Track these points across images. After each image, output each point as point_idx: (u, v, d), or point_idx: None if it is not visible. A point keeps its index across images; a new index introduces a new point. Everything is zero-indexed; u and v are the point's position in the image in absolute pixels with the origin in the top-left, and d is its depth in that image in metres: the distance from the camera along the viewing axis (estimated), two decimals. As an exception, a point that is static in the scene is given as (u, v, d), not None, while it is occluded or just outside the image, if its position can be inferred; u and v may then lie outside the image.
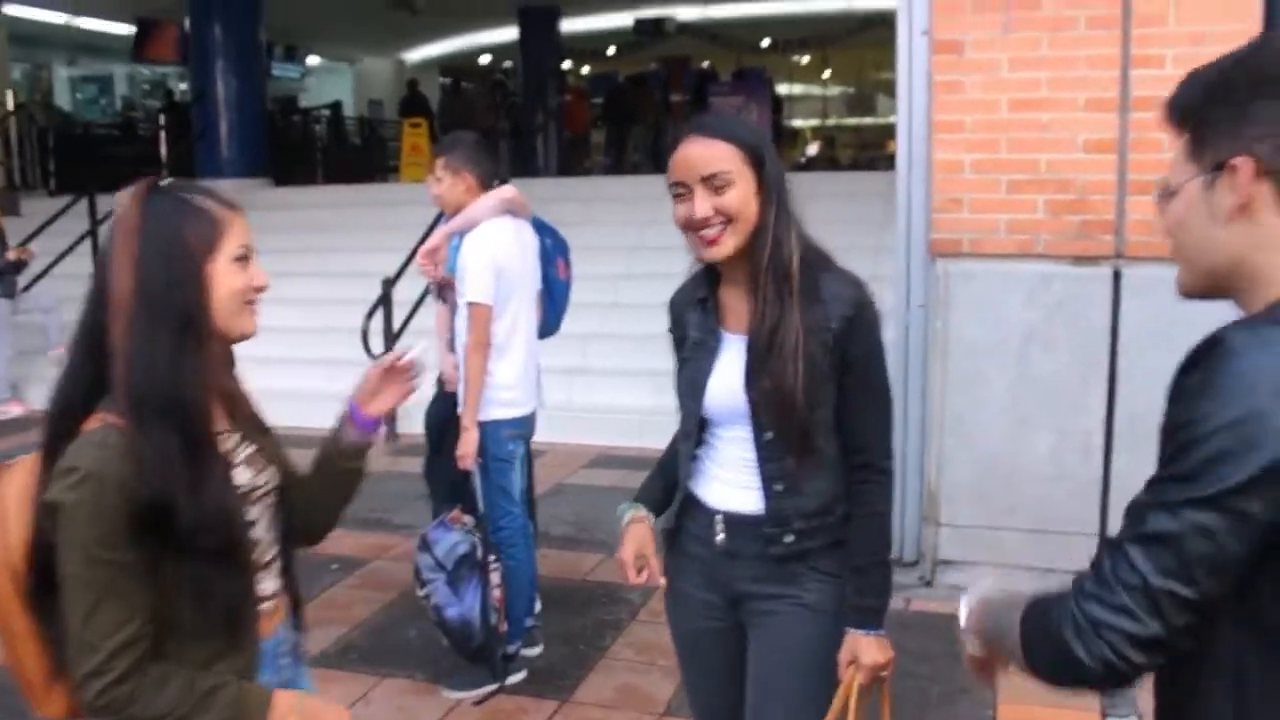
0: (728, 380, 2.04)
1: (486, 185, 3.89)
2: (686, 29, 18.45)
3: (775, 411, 1.98)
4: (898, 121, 4.59)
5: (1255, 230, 1.22)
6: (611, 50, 20.33)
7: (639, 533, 2.11)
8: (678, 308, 2.15)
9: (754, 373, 2.00)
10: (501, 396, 3.78)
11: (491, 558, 3.71)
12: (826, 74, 24.44)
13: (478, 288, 3.69)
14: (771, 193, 1.97)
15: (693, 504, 2.15)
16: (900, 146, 4.58)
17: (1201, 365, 1.14)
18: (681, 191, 1.95)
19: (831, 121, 26.12)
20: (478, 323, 3.70)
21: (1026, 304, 4.39)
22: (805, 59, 22.35)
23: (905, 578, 4.67)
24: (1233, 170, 1.21)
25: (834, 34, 18.05)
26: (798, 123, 23.56)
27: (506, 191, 3.92)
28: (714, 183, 1.93)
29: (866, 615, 2.05)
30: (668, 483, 2.22)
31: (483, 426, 3.75)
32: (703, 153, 1.96)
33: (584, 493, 6.23)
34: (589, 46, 20.16)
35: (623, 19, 18.36)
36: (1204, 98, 1.26)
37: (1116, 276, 4.26)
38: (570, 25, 18.08)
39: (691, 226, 1.95)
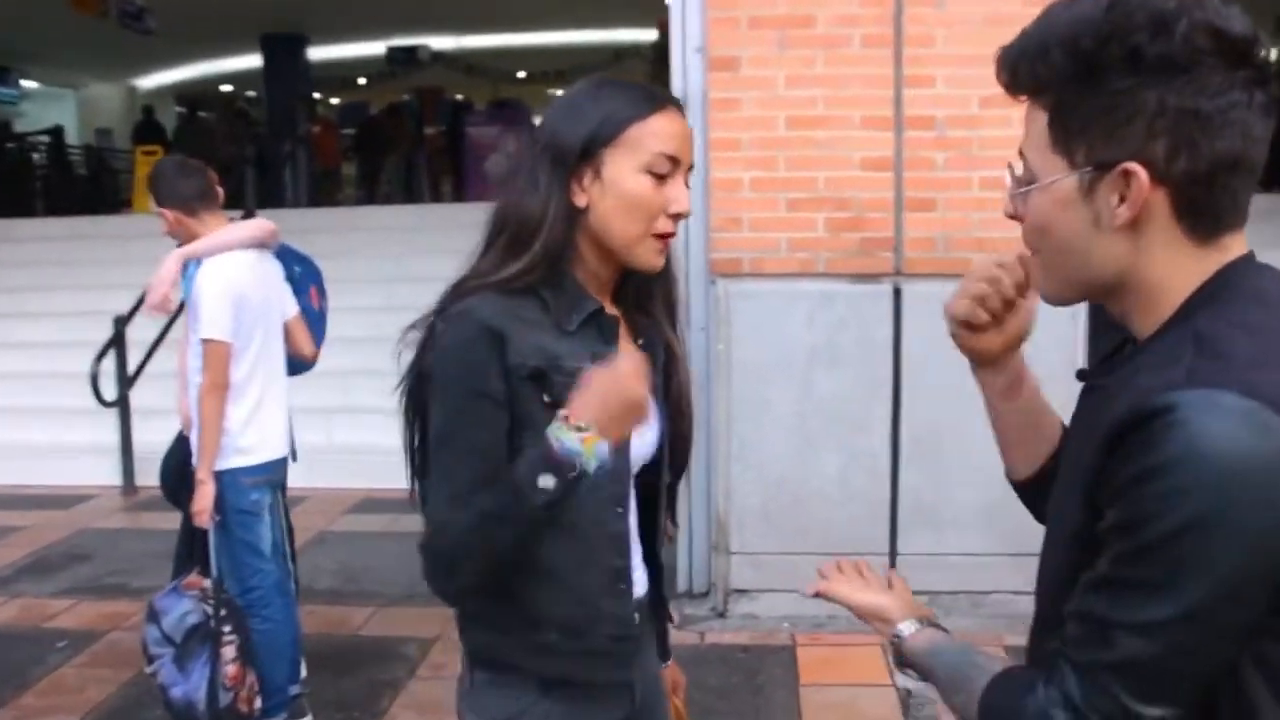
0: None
1: (192, 209, 3.49)
2: (441, 59, 18.09)
3: (684, 443, 1.68)
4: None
5: (1145, 239, 1.05)
6: (363, 80, 19.71)
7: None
8: (507, 326, 1.46)
9: (666, 400, 1.65)
10: (239, 442, 3.40)
11: (227, 628, 3.30)
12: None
13: (214, 323, 3.31)
14: None
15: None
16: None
17: (1150, 439, 0.95)
18: (668, 170, 1.49)
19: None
20: (214, 361, 3.32)
21: (809, 323, 4.34)
22: (561, 90, 22.45)
23: (697, 610, 4.51)
24: (1125, 177, 1.02)
25: (590, 65, 18.09)
26: (554, 155, 23.60)
27: (259, 225, 3.58)
28: (688, 177, 1.53)
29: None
30: None
31: (219, 477, 3.36)
32: (688, 137, 1.53)
33: (349, 540, 5.81)
34: (339, 75, 19.45)
35: (374, 48, 17.82)
36: (1071, 72, 1.03)
37: (897, 293, 4.28)
38: (319, 54, 17.38)
39: (669, 218, 1.50)
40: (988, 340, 1.30)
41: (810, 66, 4.15)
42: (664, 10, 13.60)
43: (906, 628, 1.25)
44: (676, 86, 4.37)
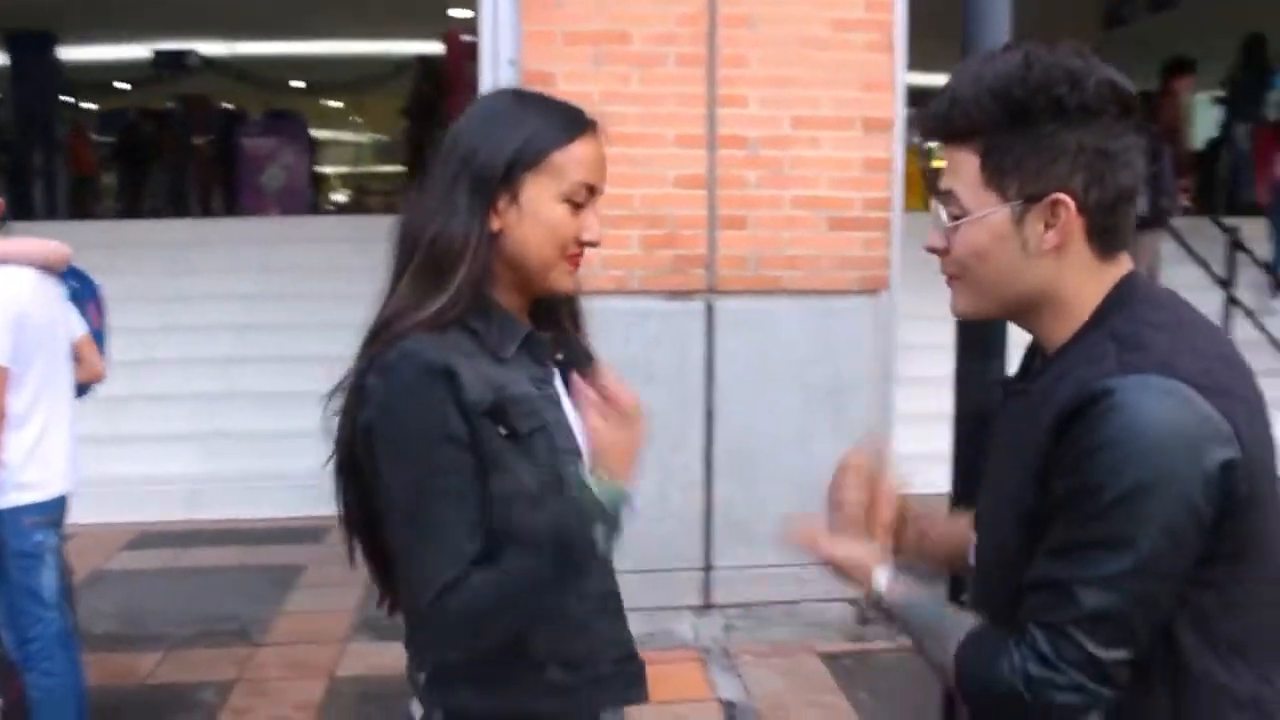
0: (583, 439, 1.50)
1: None
2: (212, 65, 17.21)
3: None
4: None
5: (1065, 260, 1.23)
6: (125, 85, 18.48)
7: None
8: (455, 363, 1.36)
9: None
10: (19, 478, 3.08)
11: None
12: (360, 119, 23.97)
13: None
14: None
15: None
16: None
17: (1094, 420, 1.12)
18: (584, 198, 1.46)
19: (362, 169, 25.55)
20: None
21: (624, 341, 4.31)
22: (339, 103, 21.73)
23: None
24: (1055, 207, 1.20)
25: (368, 78, 17.66)
26: (327, 169, 22.87)
27: (47, 245, 3.24)
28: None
29: None
30: None
31: None
32: (605, 163, 1.49)
33: (128, 580, 5.36)
34: (98, 79, 18.18)
35: (138, 51, 16.76)
36: (1004, 119, 1.20)
37: (709, 310, 4.32)
38: (74, 54, 16.21)
39: (579, 244, 1.48)
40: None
41: (626, 84, 4.14)
42: (449, 23, 13.34)
43: (882, 579, 1.34)
44: (487, 99, 4.28)
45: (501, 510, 1.38)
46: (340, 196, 21.50)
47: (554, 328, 1.57)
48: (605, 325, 4.50)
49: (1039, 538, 1.18)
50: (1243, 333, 6.85)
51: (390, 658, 4.19)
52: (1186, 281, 6.86)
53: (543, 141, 1.43)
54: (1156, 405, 1.11)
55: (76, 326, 3.34)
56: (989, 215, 1.23)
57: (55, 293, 3.27)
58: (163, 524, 6.06)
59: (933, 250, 1.30)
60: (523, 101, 1.49)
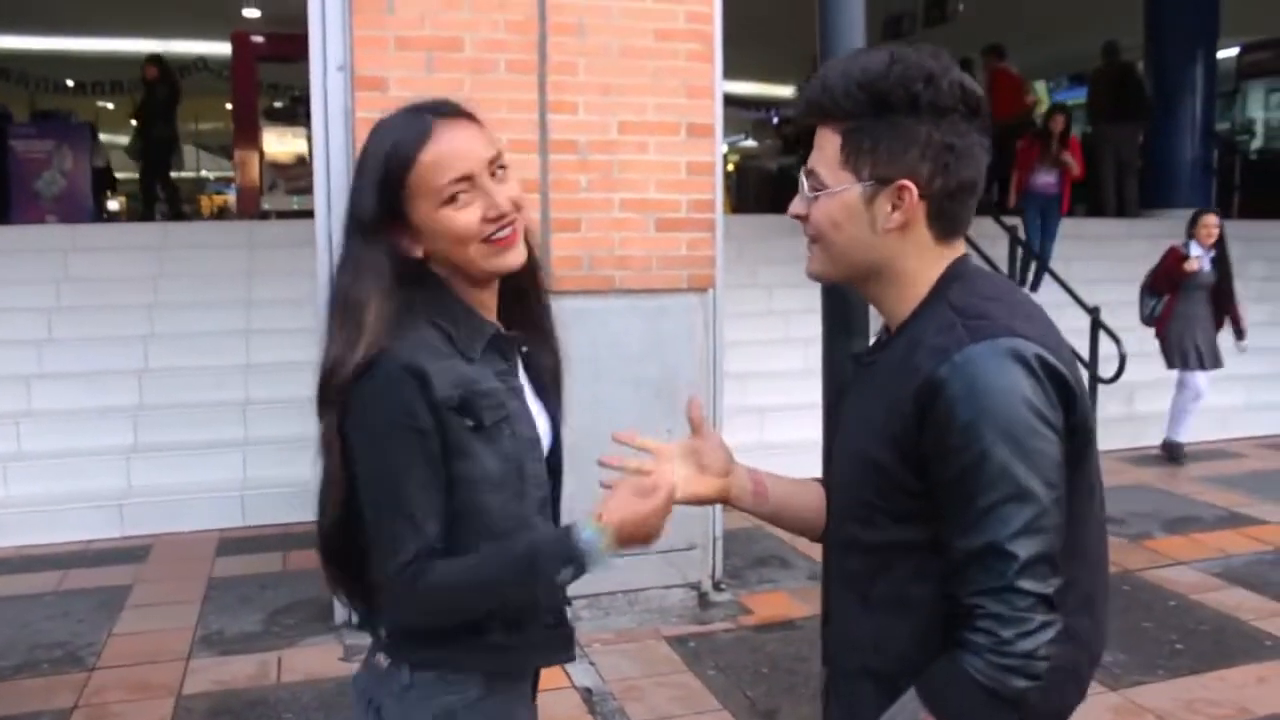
0: (542, 425, 1.67)
1: None
2: (-31, 61, 16.03)
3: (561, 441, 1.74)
4: (315, 158, 4.33)
5: (907, 238, 1.37)
6: None
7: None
8: (426, 363, 1.46)
9: (556, 402, 1.72)
10: None
11: None
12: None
13: None
14: None
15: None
16: (318, 184, 4.32)
17: (959, 391, 1.25)
18: (464, 189, 1.48)
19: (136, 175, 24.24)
20: None
21: (463, 344, 4.37)
22: (112, 105, 20.55)
23: (364, 639, 4.39)
24: (900, 192, 1.34)
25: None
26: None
27: None
28: (499, 164, 1.53)
29: None
30: None
31: None
32: (476, 135, 1.52)
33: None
34: None
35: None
36: (867, 107, 1.33)
37: (546, 311, 4.42)
38: None
39: (489, 223, 1.50)
40: (703, 488, 1.65)
41: (459, 89, 4.18)
42: (240, 22, 12.87)
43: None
44: (316, 104, 4.25)
45: (465, 492, 1.50)
46: (114, 204, 20.31)
47: (524, 320, 1.67)
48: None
49: (884, 491, 1.34)
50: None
51: (237, 672, 4.12)
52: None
53: (395, 167, 1.48)
54: (1010, 367, 1.25)
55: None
56: (843, 191, 1.36)
57: None
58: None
59: (795, 216, 1.44)
60: (378, 130, 1.53)
